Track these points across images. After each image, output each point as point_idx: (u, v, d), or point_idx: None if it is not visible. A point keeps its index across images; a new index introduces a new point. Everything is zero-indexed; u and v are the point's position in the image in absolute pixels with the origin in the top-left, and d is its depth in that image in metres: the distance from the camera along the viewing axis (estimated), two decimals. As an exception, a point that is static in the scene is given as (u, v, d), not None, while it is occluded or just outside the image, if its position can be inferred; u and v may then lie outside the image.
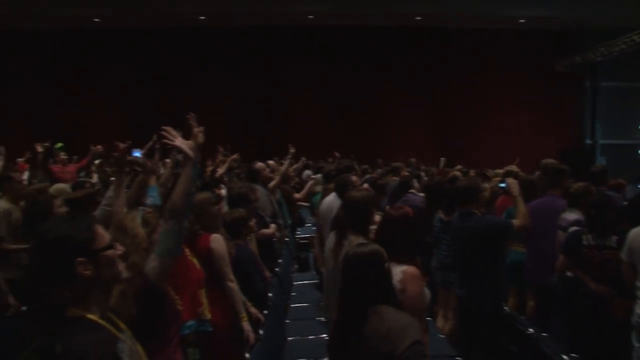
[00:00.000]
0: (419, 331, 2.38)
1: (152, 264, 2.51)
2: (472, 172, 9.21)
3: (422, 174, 9.85)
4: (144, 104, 17.90)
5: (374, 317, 2.40)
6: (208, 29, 17.70)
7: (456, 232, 4.66)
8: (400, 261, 3.02)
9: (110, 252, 1.88)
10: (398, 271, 2.95)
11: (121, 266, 1.95)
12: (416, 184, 7.17)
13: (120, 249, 1.96)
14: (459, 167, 10.07)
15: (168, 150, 6.43)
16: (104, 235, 1.89)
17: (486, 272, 4.39)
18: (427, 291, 3.18)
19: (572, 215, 4.99)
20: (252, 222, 4.85)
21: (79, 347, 1.70)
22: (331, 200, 5.38)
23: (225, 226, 4.34)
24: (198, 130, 2.70)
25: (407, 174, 8.45)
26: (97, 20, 16.62)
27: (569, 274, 4.57)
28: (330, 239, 4.10)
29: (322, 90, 18.48)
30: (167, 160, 6.55)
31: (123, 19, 16.57)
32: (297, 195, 8.41)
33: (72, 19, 16.19)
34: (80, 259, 1.79)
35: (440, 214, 5.67)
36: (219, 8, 15.90)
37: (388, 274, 2.56)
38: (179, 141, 2.64)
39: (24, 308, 4.62)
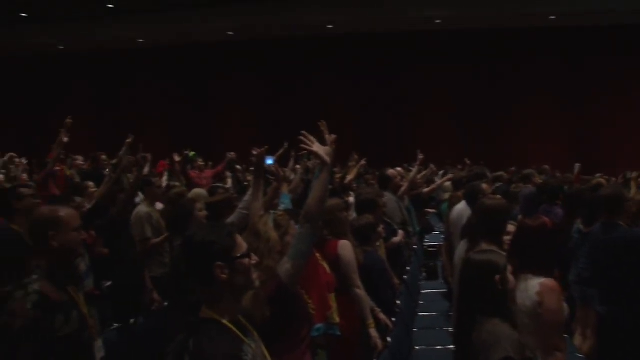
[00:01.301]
0: (515, 347, 2.29)
1: (285, 266, 2.58)
2: (613, 180, 8.61)
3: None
4: (274, 112, 18.57)
5: (478, 326, 2.39)
6: (335, 37, 18.00)
7: (598, 244, 4.36)
8: (537, 273, 2.90)
9: (246, 260, 1.96)
10: (535, 283, 2.83)
11: (255, 275, 2.02)
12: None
13: (255, 259, 2.03)
14: (599, 175, 9.41)
15: (299, 157, 6.65)
16: (242, 243, 1.98)
17: (631, 288, 4.06)
18: (565, 306, 3.01)
19: None
20: (381, 228, 4.84)
21: (207, 347, 1.81)
22: (462, 208, 5.26)
23: (354, 232, 4.35)
24: (331, 137, 2.75)
25: (540, 181, 7.99)
26: (230, 33, 17.55)
27: None
28: (461, 247, 4.00)
29: (449, 95, 18.10)
30: (298, 166, 6.74)
31: (257, 32, 17.40)
32: (426, 190, 8.29)
33: (207, 33, 17.33)
34: (219, 263, 1.88)
35: (579, 225, 5.32)
36: (346, 16, 16.14)
37: (501, 285, 2.45)
38: (316, 147, 2.70)
39: (165, 304, 4.94)
